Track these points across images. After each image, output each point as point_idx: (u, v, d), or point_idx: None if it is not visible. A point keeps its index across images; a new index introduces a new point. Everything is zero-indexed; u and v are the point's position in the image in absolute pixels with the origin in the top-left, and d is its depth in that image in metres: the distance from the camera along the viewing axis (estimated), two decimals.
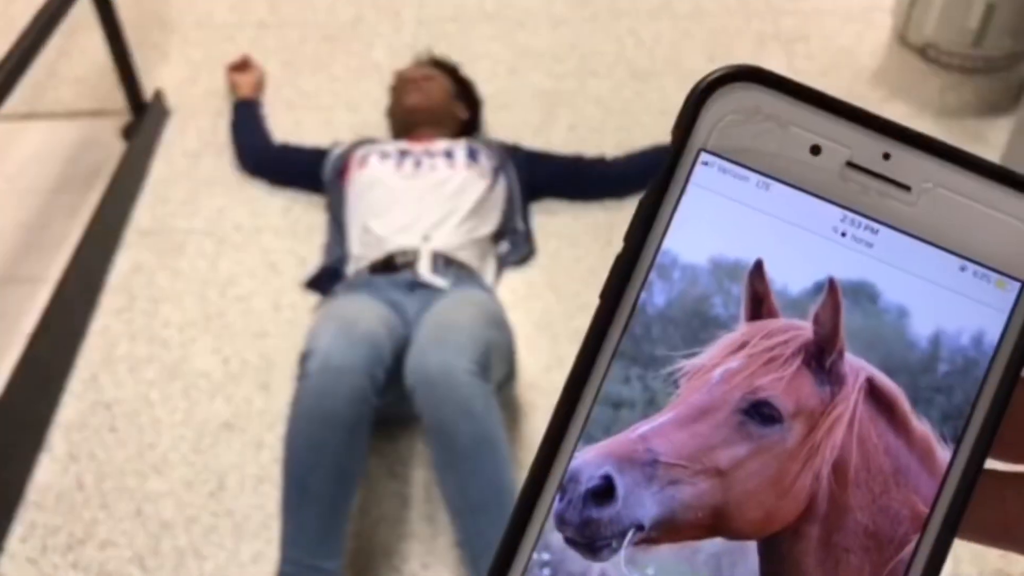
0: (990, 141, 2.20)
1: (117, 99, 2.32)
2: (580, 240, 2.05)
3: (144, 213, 2.16)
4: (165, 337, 1.91)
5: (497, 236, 1.99)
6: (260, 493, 1.66)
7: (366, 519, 1.62)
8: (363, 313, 1.61)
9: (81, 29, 2.42)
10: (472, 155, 2.00)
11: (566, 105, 2.37)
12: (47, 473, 1.70)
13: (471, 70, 2.30)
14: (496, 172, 2.01)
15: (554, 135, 2.29)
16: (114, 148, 2.29)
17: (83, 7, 2.07)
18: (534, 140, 2.24)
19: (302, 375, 1.51)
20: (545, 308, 1.94)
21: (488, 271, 1.93)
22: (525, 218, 2.06)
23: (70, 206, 2.18)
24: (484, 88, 2.29)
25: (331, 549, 1.43)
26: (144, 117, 2.31)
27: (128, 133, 2.31)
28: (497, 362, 1.60)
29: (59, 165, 2.30)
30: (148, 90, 2.36)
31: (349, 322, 1.56)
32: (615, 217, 2.09)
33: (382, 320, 1.62)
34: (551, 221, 2.10)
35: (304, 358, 1.53)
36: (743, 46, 2.51)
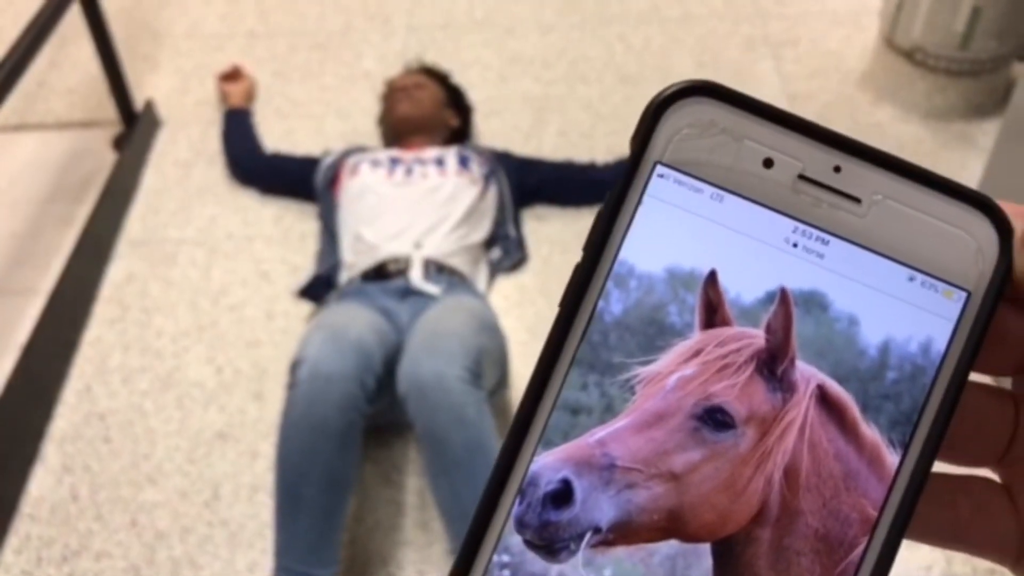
0: (977, 143, 2.21)
1: (108, 109, 2.33)
2: (572, 246, 2.06)
3: (136, 223, 2.17)
4: (158, 347, 1.91)
5: (489, 243, 2.00)
6: (255, 502, 1.66)
7: (361, 526, 1.62)
8: (353, 321, 1.62)
9: (71, 40, 2.43)
10: (463, 162, 2.01)
11: (556, 111, 2.38)
12: (41, 485, 1.71)
13: (461, 77, 2.31)
14: (487, 179, 2.02)
15: (544, 141, 2.30)
16: (105, 158, 2.30)
17: (73, 18, 2.08)
18: (524, 146, 2.25)
19: (292, 383, 1.52)
20: (537, 314, 1.94)
21: (480, 278, 1.94)
22: (516, 224, 2.07)
23: (62, 217, 2.18)
24: (474, 95, 2.30)
25: (325, 557, 1.44)
26: (135, 127, 2.32)
27: (119, 143, 2.31)
28: (489, 368, 1.60)
29: (50, 176, 2.30)
30: (139, 100, 2.37)
31: (339, 330, 1.57)
32: None
33: (373, 327, 1.62)
34: (542, 227, 2.11)
35: (294, 366, 1.54)
36: (731, 50, 2.52)
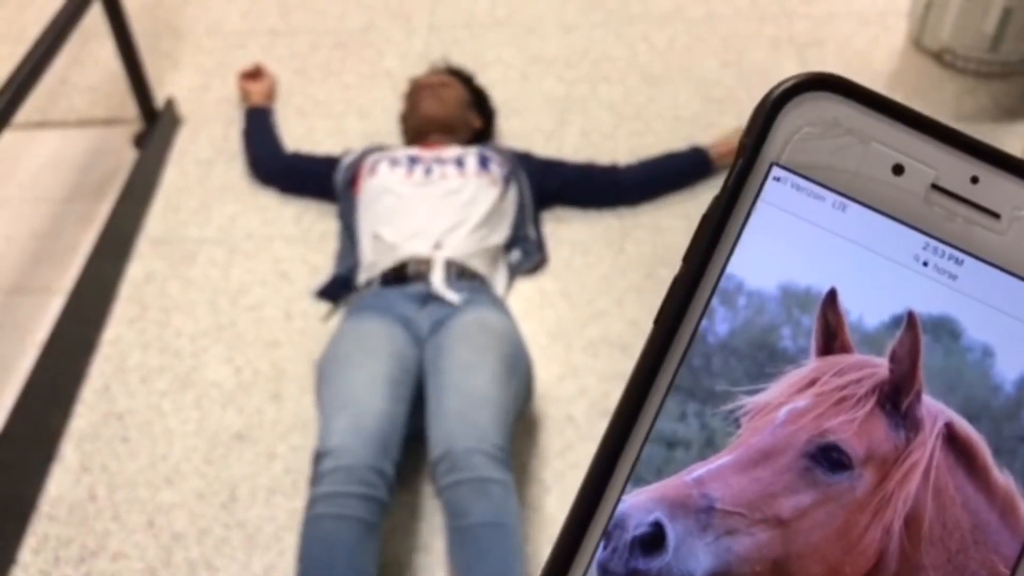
0: (1007, 146, 2.13)
1: (129, 107, 2.32)
2: (592, 248, 2.04)
3: (156, 222, 2.16)
4: (177, 347, 1.90)
5: (508, 245, 1.97)
6: (272, 504, 1.64)
7: None
8: (373, 384, 1.57)
9: (93, 37, 2.42)
10: (483, 162, 1.98)
11: (578, 111, 2.36)
12: (59, 484, 1.69)
13: (483, 76, 2.29)
14: (507, 179, 2.00)
15: (566, 141, 2.27)
16: (126, 156, 2.29)
17: (95, 16, 2.07)
18: (546, 146, 2.23)
19: (315, 477, 1.48)
20: (558, 317, 1.92)
21: (500, 280, 1.91)
22: (536, 226, 2.04)
23: (82, 215, 2.17)
24: (496, 94, 2.28)
25: None
26: (156, 125, 2.31)
27: (140, 141, 2.30)
28: (517, 407, 1.61)
29: (71, 174, 2.30)
30: (160, 98, 2.36)
31: (359, 411, 1.53)
32: (628, 224, 2.07)
33: (393, 375, 1.58)
34: (563, 229, 2.08)
35: (317, 458, 1.50)
36: (756, 51, 2.49)
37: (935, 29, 2.35)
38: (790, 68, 2.41)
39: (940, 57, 2.38)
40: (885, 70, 2.43)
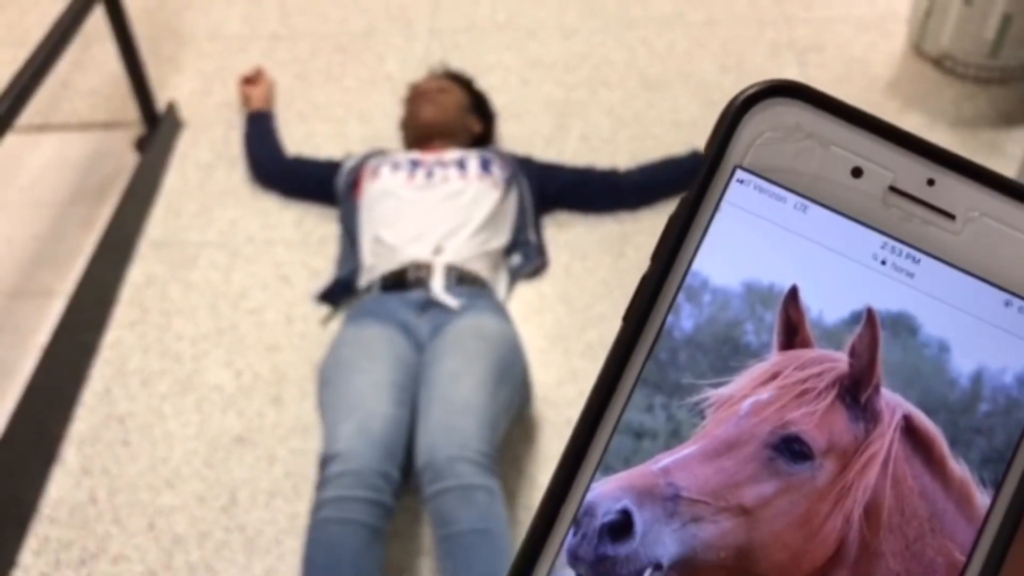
0: (1006, 152, 2.18)
1: (130, 111, 2.33)
2: (592, 253, 2.04)
3: (157, 225, 2.17)
4: (178, 350, 1.90)
5: (509, 249, 1.98)
6: (272, 508, 1.65)
7: None
8: (377, 390, 1.57)
9: (95, 41, 2.44)
10: (485, 165, 1.99)
11: (578, 115, 2.37)
12: (60, 487, 1.70)
13: (483, 81, 2.29)
14: (508, 182, 2.00)
15: (566, 145, 2.28)
16: (127, 160, 2.30)
17: (97, 19, 2.08)
18: (546, 150, 2.23)
19: (322, 481, 1.48)
20: (557, 321, 1.92)
21: (500, 284, 1.92)
22: (537, 230, 2.05)
23: (83, 218, 2.18)
24: (496, 98, 2.28)
25: None
26: (157, 129, 2.32)
27: (141, 145, 2.32)
28: (510, 412, 1.61)
29: (72, 177, 2.31)
30: (161, 102, 2.37)
31: (365, 416, 1.53)
32: (628, 229, 2.08)
33: (396, 380, 1.59)
34: (563, 233, 2.09)
35: (324, 462, 1.50)
36: (756, 55, 2.50)
37: (935, 35, 2.36)
38: (790, 73, 2.42)
39: (940, 63, 2.39)
40: (884, 75, 2.44)
